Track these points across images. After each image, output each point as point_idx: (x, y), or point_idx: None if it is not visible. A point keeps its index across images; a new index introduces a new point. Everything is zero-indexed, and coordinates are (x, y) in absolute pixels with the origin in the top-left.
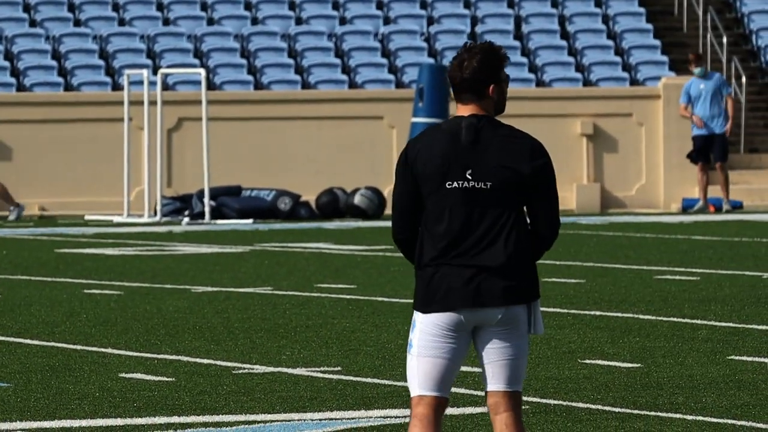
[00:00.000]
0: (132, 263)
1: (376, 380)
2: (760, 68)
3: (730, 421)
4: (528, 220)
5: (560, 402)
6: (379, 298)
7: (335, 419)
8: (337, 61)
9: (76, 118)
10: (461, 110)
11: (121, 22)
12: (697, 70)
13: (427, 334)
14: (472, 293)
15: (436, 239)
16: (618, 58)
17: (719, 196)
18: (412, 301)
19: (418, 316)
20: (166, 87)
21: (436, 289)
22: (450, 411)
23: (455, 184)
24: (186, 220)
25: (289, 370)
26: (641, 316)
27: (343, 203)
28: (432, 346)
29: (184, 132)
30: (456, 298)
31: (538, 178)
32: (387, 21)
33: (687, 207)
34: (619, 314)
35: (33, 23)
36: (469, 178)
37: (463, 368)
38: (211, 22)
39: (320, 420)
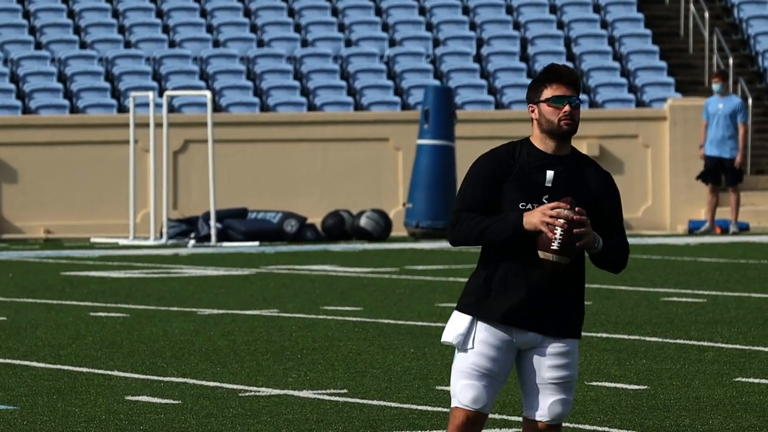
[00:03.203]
0: (138, 286)
1: (382, 402)
2: (766, 90)
3: None
4: None
5: (567, 424)
6: (386, 321)
7: None
8: (343, 83)
9: (82, 140)
10: None
11: (127, 45)
12: (715, 87)
13: None
14: None
15: None
16: (624, 80)
17: (727, 218)
18: (418, 323)
19: None
20: (171, 109)
21: None
22: None
23: None
24: (192, 242)
25: (296, 393)
26: (648, 338)
27: (349, 225)
28: None
29: (190, 154)
30: None
31: None
32: (393, 43)
33: (693, 228)
34: (626, 336)
35: (39, 45)
36: None
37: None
38: (216, 44)
39: None
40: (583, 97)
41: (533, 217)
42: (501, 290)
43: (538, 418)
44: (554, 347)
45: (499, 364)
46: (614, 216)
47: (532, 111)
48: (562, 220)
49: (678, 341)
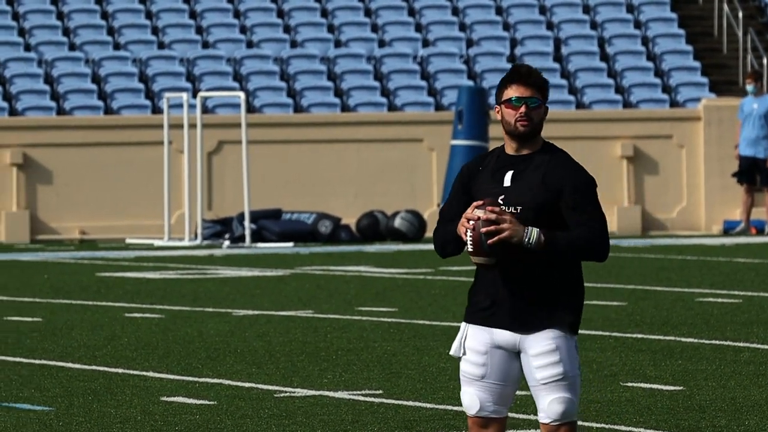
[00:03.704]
0: (173, 287)
1: (417, 403)
2: None
3: None
4: None
5: (602, 425)
6: (420, 321)
7: None
8: (377, 83)
9: (116, 141)
10: None
11: (161, 45)
12: (749, 87)
13: None
14: None
15: None
16: (658, 80)
17: (762, 218)
18: (453, 324)
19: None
20: (205, 110)
21: None
22: None
23: None
24: (226, 243)
25: (331, 394)
26: (683, 339)
27: (384, 226)
28: None
29: (224, 155)
30: None
31: None
32: (426, 43)
33: (728, 229)
34: (661, 337)
35: (72, 47)
36: None
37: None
38: (250, 45)
39: None
40: (616, 97)
41: (459, 223)
42: (480, 294)
43: (542, 421)
44: (539, 347)
45: (487, 368)
46: (577, 208)
47: (498, 112)
48: (471, 222)
49: (713, 342)
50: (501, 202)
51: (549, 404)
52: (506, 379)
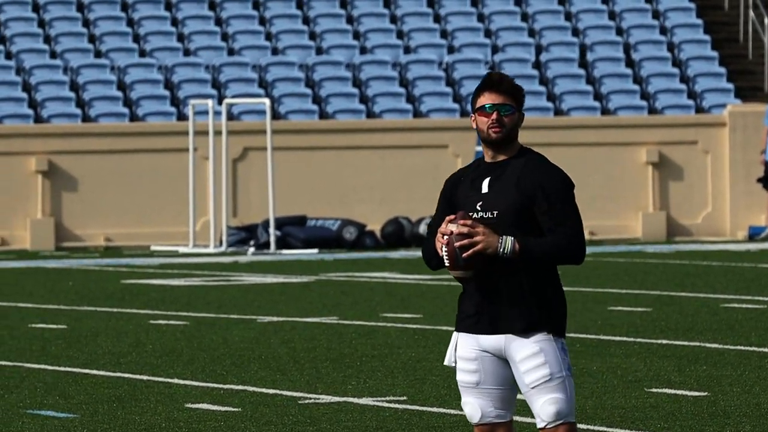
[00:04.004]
0: (198, 293)
1: (442, 410)
2: None
3: None
4: None
5: (627, 431)
6: (445, 328)
7: None
8: (402, 90)
9: (142, 148)
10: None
11: (186, 53)
12: None
13: None
14: None
15: None
16: (683, 86)
17: None
18: None
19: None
20: (231, 117)
21: None
22: None
23: None
24: (251, 250)
25: (355, 400)
26: (708, 345)
27: (409, 233)
28: None
29: (249, 162)
30: None
31: None
32: (451, 50)
33: (753, 234)
34: (686, 343)
35: (98, 54)
36: None
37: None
38: (275, 51)
39: None
40: (641, 103)
41: (435, 239)
42: (466, 302)
43: (539, 426)
44: (523, 352)
45: (480, 375)
46: (551, 213)
47: (473, 120)
48: (445, 237)
49: (738, 347)
50: (479, 209)
51: (541, 406)
52: (502, 383)
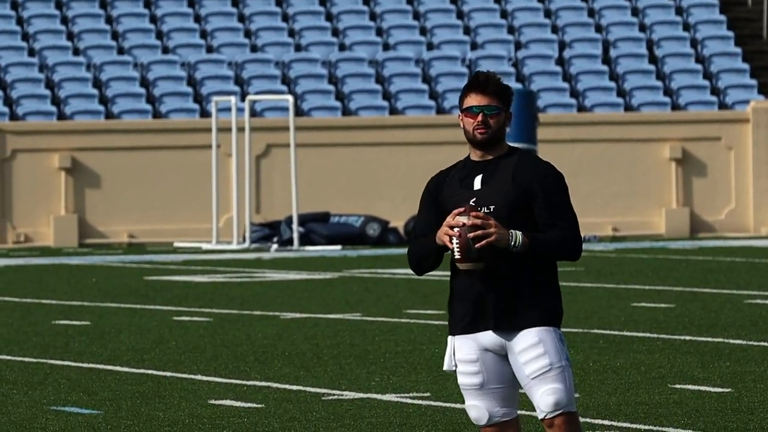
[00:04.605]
0: (221, 290)
1: (465, 406)
2: None
3: None
4: None
5: (650, 427)
6: None
7: None
8: (425, 86)
9: (165, 145)
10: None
11: (209, 49)
12: None
13: None
14: None
15: None
16: (706, 82)
17: None
18: None
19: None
20: (254, 113)
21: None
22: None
23: None
24: (274, 246)
25: (379, 396)
26: (732, 341)
27: None
28: None
29: (272, 158)
30: None
31: None
32: (474, 46)
33: None
34: (710, 339)
35: (121, 51)
36: None
37: None
38: (298, 48)
39: None
40: (665, 99)
41: (439, 233)
42: (459, 304)
43: (540, 417)
44: (522, 343)
45: (483, 375)
46: (550, 208)
47: (461, 120)
48: (456, 230)
49: (762, 344)
50: (473, 204)
51: (541, 396)
52: (505, 381)
